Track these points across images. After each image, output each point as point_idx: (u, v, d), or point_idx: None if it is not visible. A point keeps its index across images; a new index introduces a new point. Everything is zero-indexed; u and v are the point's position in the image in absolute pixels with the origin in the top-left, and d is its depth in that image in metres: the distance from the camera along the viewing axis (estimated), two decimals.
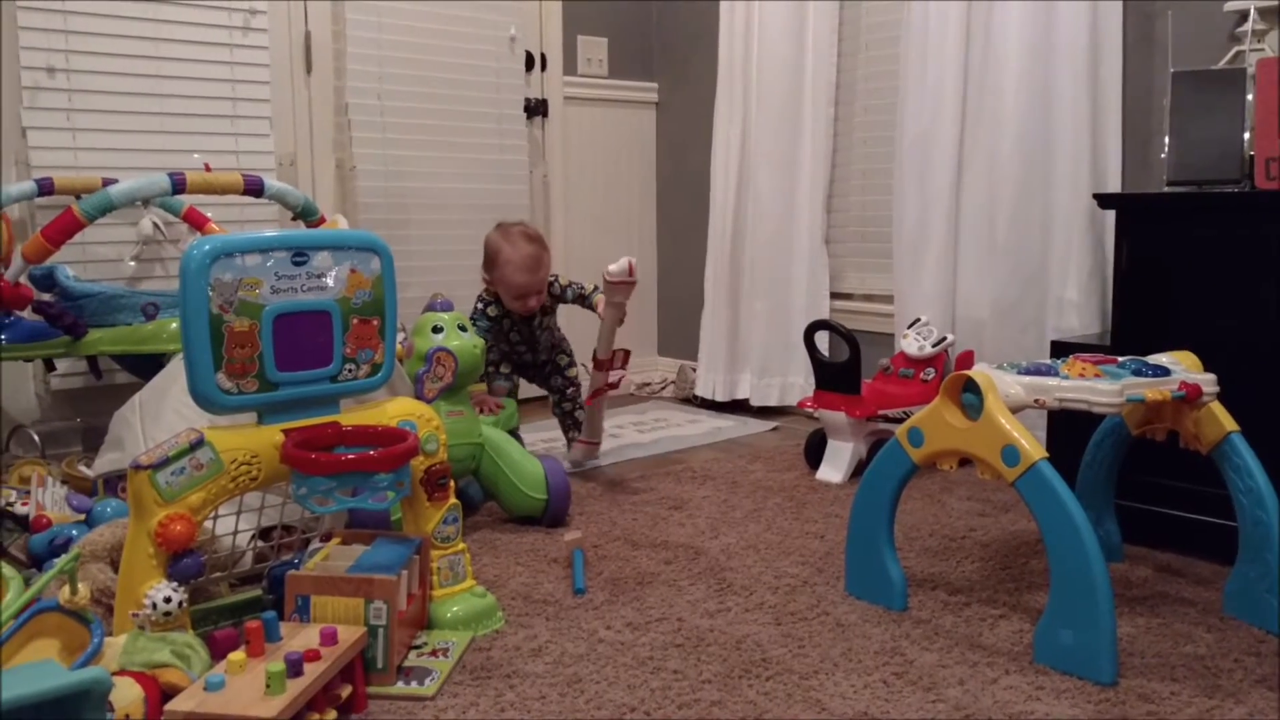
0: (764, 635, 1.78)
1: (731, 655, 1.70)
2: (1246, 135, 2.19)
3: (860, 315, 3.48)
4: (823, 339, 3.05)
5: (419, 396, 2.20)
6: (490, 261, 2.81)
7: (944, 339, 2.89)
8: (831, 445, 2.83)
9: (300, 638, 1.47)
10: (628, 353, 2.80)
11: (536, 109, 3.81)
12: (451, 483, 1.83)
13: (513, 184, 3.74)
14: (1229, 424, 1.82)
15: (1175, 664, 1.65)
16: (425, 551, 1.78)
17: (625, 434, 3.37)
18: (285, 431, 1.63)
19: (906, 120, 3.13)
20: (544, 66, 3.83)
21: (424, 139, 3.51)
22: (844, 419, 2.76)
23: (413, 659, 1.66)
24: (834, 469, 2.80)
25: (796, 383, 3.58)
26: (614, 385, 2.79)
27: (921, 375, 2.89)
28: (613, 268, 2.65)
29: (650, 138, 4.19)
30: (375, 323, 1.74)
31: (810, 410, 2.87)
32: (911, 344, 2.92)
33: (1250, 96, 2.17)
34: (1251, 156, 2.15)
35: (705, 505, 2.57)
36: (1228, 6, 2.52)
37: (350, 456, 1.59)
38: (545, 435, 3.34)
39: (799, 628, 1.81)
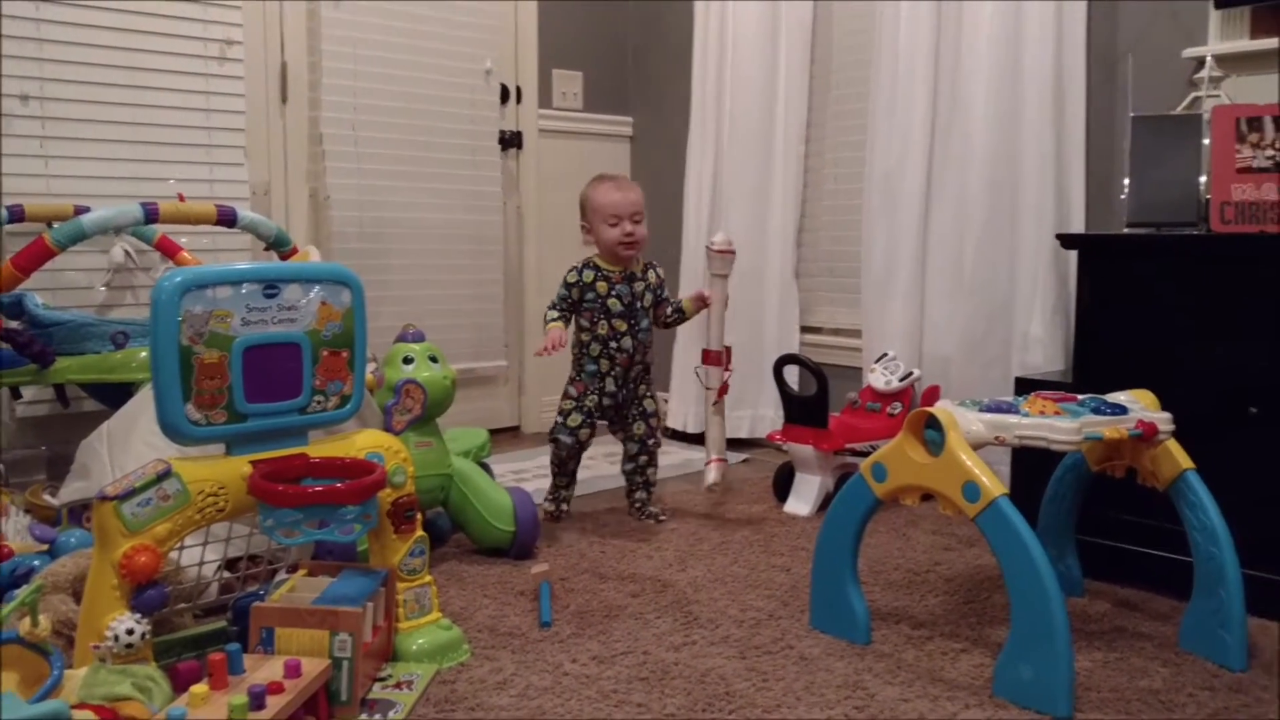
0: (728, 669, 1.79)
1: (695, 688, 1.71)
2: (1203, 179, 2.24)
3: (829, 349, 3.51)
4: (792, 373, 3.08)
5: (387, 428, 2.20)
6: (584, 204, 2.70)
7: (910, 374, 2.93)
8: (799, 478, 2.86)
9: (264, 670, 1.47)
10: (729, 349, 2.77)
11: (511, 141, 3.84)
12: (419, 515, 1.83)
13: (487, 215, 3.77)
14: (1184, 461, 1.86)
15: (1131, 698, 1.68)
16: (391, 583, 1.78)
17: (596, 465, 3.37)
18: (253, 463, 1.63)
19: (875, 158, 3.18)
20: (519, 99, 3.87)
21: (398, 169, 3.53)
22: (812, 452, 2.79)
23: (377, 691, 1.66)
24: (802, 502, 2.82)
25: (767, 415, 3.61)
26: (727, 387, 2.76)
27: (888, 409, 2.92)
28: (716, 237, 2.71)
29: (624, 171, 4.22)
30: (345, 355, 1.75)
31: (779, 443, 2.89)
32: (879, 378, 2.96)
33: (1206, 141, 2.22)
34: (1208, 200, 2.20)
35: (673, 537, 2.58)
36: (1186, 53, 2.59)
37: (317, 489, 1.60)
38: (515, 467, 3.35)
39: (763, 661, 1.82)
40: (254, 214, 2.51)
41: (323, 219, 3.40)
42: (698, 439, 3.72)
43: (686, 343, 3.73)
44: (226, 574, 1.87)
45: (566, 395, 2.68)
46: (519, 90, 3.86)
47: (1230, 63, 2.52)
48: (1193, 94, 2.51)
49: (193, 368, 1.57)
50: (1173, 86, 2.63)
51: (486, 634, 1.94)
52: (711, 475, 2.73)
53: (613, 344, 2.63)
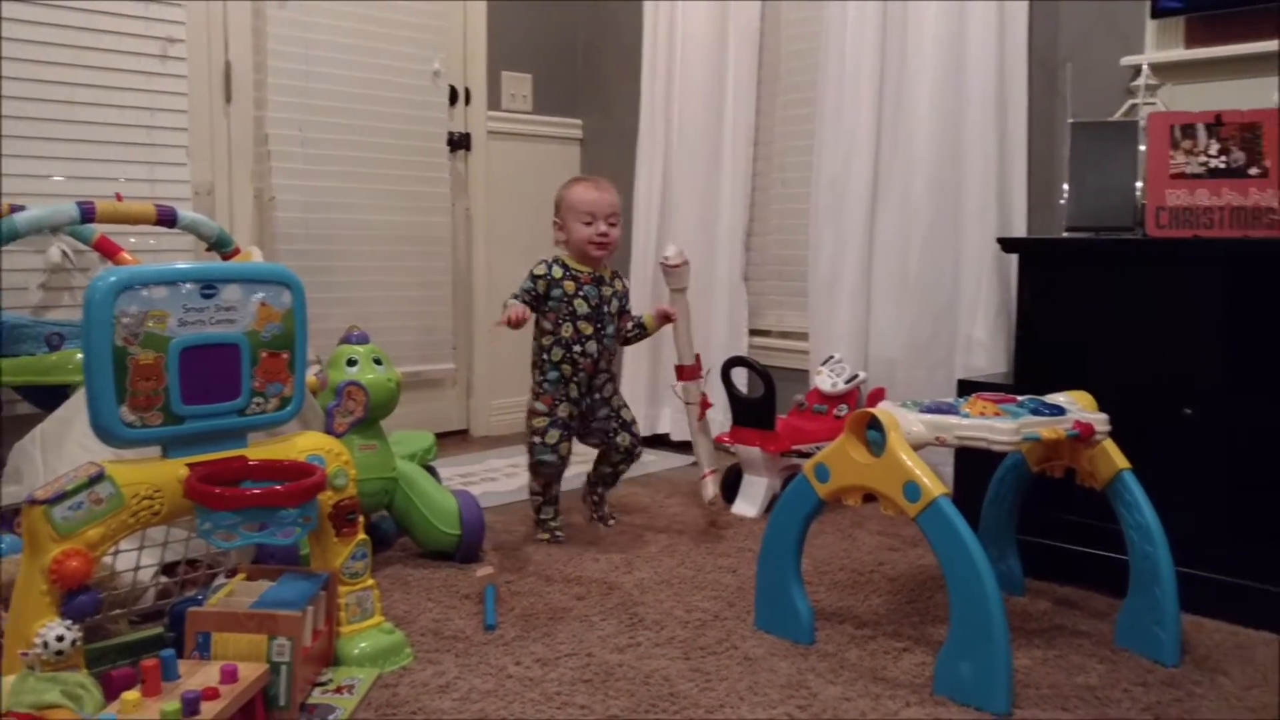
0: (673, 670, 1.79)
1: (639, 690, 1.71)
2: (1139, 184, 2.29)
3: (777, 352, 3.53)
4: (740, 375, 3.09)
5: (329, 430, 2.18)
6: (559, 201, 2.61)
7: (856, 376, 2.95)
8: (747, 480, 2.87)
9: (199, 676, 1.44)
10: (698, 358, 2.73)
11: (460, 143, 3.82)
12: (361, 518, 1.82)
13: (435, 216, 3.75)
14: (1121, 461, 1.89)
15: (1068, 694, 1.71)
16: (333, 587, 1.76)
17: None
18: (190, 465, 1.61)
19: (822, 162, 3.21)
20: (468, 101, 3.85)
21: (345, 170, 3.50)
22: (759, 454, 2.80)
23: (317, 696, 1.64)
24: (749, 503, 2.83)
25: (715, 418, 3.59)
26: (709, 402, 2.72)
27: (835, 411, 2.94)
28: (668, 251, 2.67)
29: (574, 173, 4.21)
30: (285, 356, 1.72)
31: (727, 445, 2.90)
32: (825, 381, 2.98)
33: (1143, 148, 2.27)
34: (1144, 205, 2.25)
35: (621, 540, 2.58)
36: (1124, 61, 2.64)
37: (255, 491, 1.58)
38: (463, 470, 3.33)
39: (707, 662, 1.83)
40: (195, 214, 2.47)
41: (268, 220, 3.35)
42: (648, 441, 3.70)
43: (636, 345, 3.71)
44: (164, 579, 1.84)
45: (535, 412, 2.54)
46: (468, 92, 3.84)
47: (1166, 71, 2.58)
48: (1130, 101, 2.56)
49: (127, 369, 1.54)
50: (1111, 93, 2.67)
51: (430, 637, 1.93)
52: (710, 490, 2.69)
53: (576, 348, 2.50)
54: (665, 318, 2.65)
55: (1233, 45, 2.47)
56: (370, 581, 1.83)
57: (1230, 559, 2.05)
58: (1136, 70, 2.57)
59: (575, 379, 2.53)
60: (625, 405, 2.65)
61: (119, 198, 2.45)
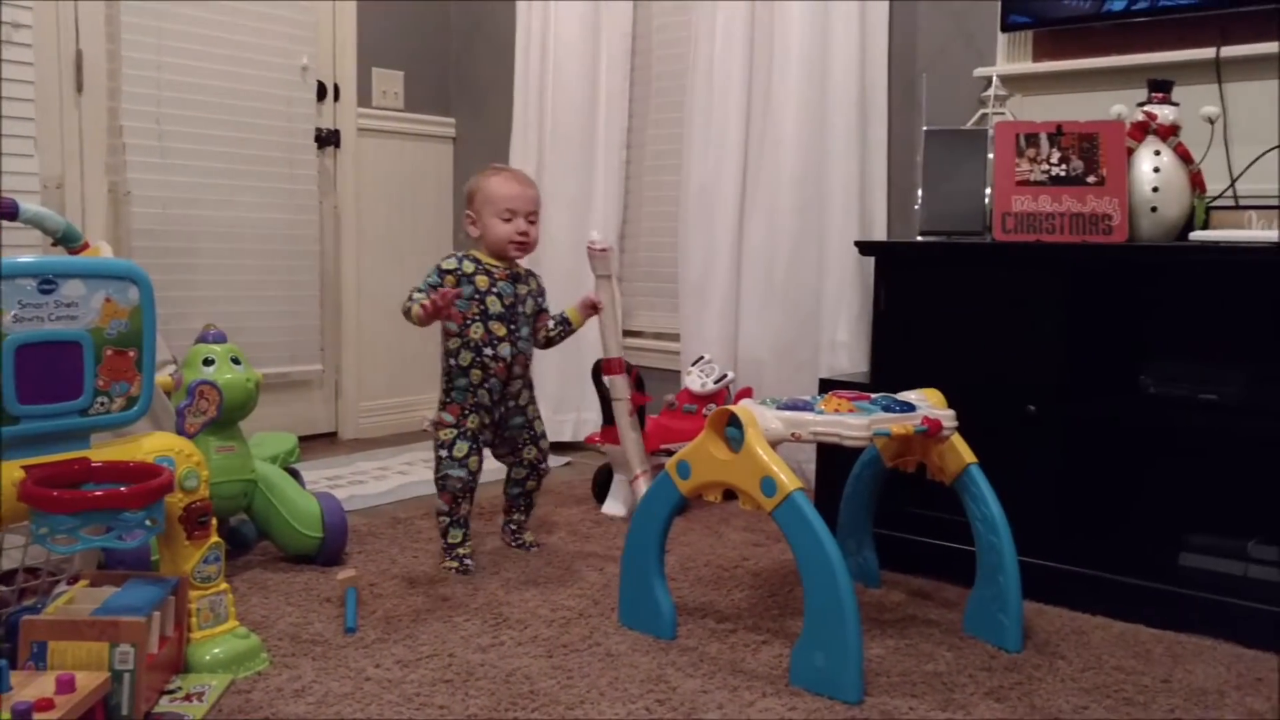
0: (534, 668, 1.79)
1: (500, 689, 1.70)
2: (988, 191, 2.38)
3: (649, 353, 3.57)
4: None
5: (180, 431, 2.11)
6: (473, 192, 2.38)
7: (725, 376, 3.00)
8: (617, 480, 2.89)
9: (33, 687, 1.38)
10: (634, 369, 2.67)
11: (328, 139, 3.75)
12: (214, 521, 1.77)
13: (302, 214, 3.66)
14: (968, 456, 1.97)
15: (917, 681, 1.77)
16: (182, 592, 1.71)
17: (414, 470, 3.33)
18: (26, 468, 1.54)
19: (692, 169, 3.25)
20: (337, 97, 3.77)
21: (207, 165, 3.39)
22: None
23: (164, 705, 1.59)
24: (619, 503, 2.85)
25: (590, 419, 3.62)
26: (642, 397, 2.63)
27: (704, 411, 2.97)
28: (593, 234, 2.62)
29: (447, 172, 4.18)
30: (132, 354, 1.67)
31: (598, 445, 2.91)
32: (695, 381, 3.02)
33: (991, 155, 2.36)
34: (992, 210, 2.34)
35: (488, 540, 2.56)
36: (976, 72, 2.75)
37: (95, 494, 1.52)
38: (330, 474, 3.26)
39: (570, 659, 1.83)
40: (39, 207, 2.36)
41: (123, 215, 3.23)
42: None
43: None
44: (1, 588, 1.76)
45: (442, 424, 2.32)
46: (337, 88, 3.77)
47: (1015, 83, 2.69)
48: (981, 111, 2.66)
49: None
50: (966, 104, 2.78)
51: (288, 641, 1.88)
52: (641, 489, 2.53)
53: (487, 351, 2.30)
54: (592, 308, 2.50)
55: (1075, 60, 2.60)
56: (224, 585, 1.78)
57: (1068, 548, 2.15)
58: (988, 81, 2.68)
59: (486, 384, 2.32)
60: (539, 417, 2.49)
61: None
